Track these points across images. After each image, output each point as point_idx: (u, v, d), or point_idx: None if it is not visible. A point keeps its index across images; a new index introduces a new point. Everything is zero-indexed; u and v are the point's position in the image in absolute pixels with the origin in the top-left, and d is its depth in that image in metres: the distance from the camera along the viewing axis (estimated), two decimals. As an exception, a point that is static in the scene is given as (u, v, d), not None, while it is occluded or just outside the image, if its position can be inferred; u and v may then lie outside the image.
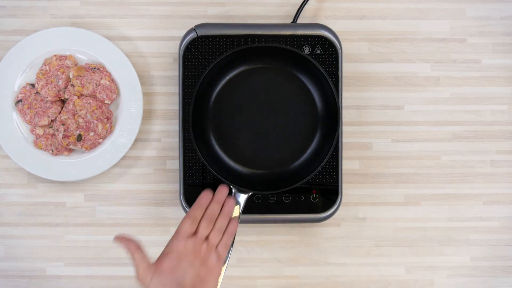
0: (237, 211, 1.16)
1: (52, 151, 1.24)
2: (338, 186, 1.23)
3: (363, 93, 1.27)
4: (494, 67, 1.28)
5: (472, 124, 1.28)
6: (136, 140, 1.26)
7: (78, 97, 1.24)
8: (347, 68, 1.27)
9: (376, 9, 1.28)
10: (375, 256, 1.28)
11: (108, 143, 1.25)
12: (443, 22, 1.28)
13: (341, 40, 1.23)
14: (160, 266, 1.06)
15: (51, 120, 1.24)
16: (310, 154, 1.22)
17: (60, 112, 1.24)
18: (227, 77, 1.22)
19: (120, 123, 1.25)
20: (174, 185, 1.26)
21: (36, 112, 1.24)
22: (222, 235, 1.11)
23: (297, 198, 1.23)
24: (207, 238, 1.10)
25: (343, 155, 1.24)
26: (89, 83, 1.24)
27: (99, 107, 1.24)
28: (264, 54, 1.21)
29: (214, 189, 1.21)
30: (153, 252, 1.27)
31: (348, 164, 1.27)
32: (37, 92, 1.24)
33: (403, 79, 1.28)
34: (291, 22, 1.26)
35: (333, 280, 1.28)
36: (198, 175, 1.23)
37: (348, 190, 1.26)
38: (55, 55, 1.24)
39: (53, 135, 1.24)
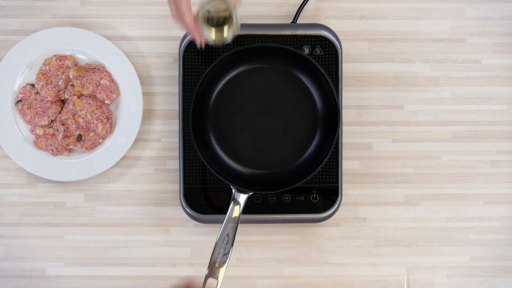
0: (237, 211, 1.16)
1: (52, 151, 1.24)
2: (338, 186, 1.23)
3: (363, 93, 1.27)
4: (494, 67, 1.28)
5: (472, 124, 1.28)
6: (136, 140, 1.26)
7: (78, 97, 1.24)
8: (347, 68, 1.27)
9: (376, 9, 1.28)
10: (375, 256, 1.28)
11: (108, 143, 1.25)
12: (443, 22, 1.28)
13: (341, 40, 1.23)
14: None
15: (51, 120, 1.24)
16: (310, 154, 1.22)
17: (60, 112, 1.24)
18: (227, 77, 1.22)
19: (120, 123, 1.25)
20: (174, 185, 1.26)
21: (36, 112, 1.24)
22: None
23: (297, 198, 1.23)
24: None
25: (343, 155, 1.24)
26: (89, 83, 1.24)
27: (99, 107, 1.24)
28: (264, 54, 1.21)
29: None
30: (153, 251, 1.27)
31: (348, 164, 1.27)
32: (37, 92, 1.24)
33: (403, 79, 1.28)
34: (291, 22, 1.26)
35: (333, 280, 1.28)
36: (198, 175, 1.23)
37: (348, 190, 1.26)
38: (55, 55, 1.24)
39: (53, 135, 1.24)
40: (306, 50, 1.23)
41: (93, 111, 1.24)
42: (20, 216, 1.27)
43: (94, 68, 1.24)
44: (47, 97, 1.23)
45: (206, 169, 1.22)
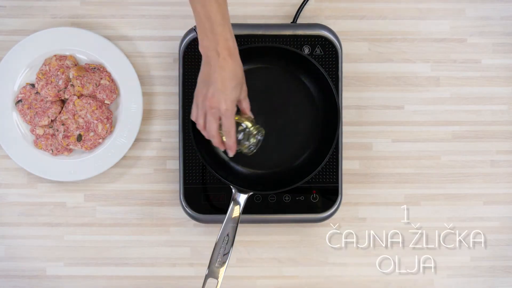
0: (237, 211, 1.16)
1: (52, 151, 1.24)
2: (338, 186, 1.23)
3: (363, 93, 1.27)
4: (494, 67, 1.28)
5: (472, 124, 1.28)
6: (136, 140, 1.26)
7: (78, 97, 1.24)
8: (347, 68, 1.27)
9: (376, 9, 1.28)
10: (375, 256, 1.28)
11: (108, 143, 1.25)
12: (443, 22, 1.28)
13: (341, 40, 1.23)
14: None
15: (51, 120, 1.24)
16: (310, 154, 1.22)
17: (60, 112, 1.24)
18: (227, 77, 1.22)
19: (120, 123, 1.25)
20: (174, 185, 1.26)
21: (36, 112, 1.24)
22: None
23: (297, 198, 1.23)
24: None
25: (343, 155, 1.24)
26: (89, 83, 1.24)
27: (99, 107, 1.24)
28: (264, 54, 1.21)
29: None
30: (153, 251, 1.27)
31: (348, 164, 1.27)
32: (37, 92, 1.24)
33: (403, 79, 1.28)
34: (291, 22, 1.26)
35: (333, 280, 1.28)
36: (198, 175, 1.23)
37: (348, 190, 1.26)
38: (55, 55, 1.24)
39: (53, 135, 1.24)
40: (306, 50, 1.23)
41: (93, 111, 1.24)
42: (20, 216, 1.27)
43: (94, 68, 1.24)
44: (47, 97, 1.23)
45: (206, 169, 1.22)
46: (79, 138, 1.24)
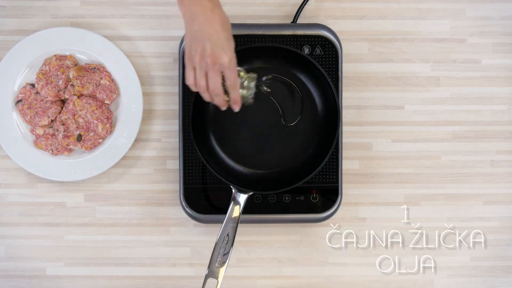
0: (237, 211, 1.16)
1: (52, 151, 1.24)
2: (338, 186, 1.23)
3: (363, 93, 1.27)
4: (494, 67, 1.28)
5: (472, 124, 1.28)
6: (136, 140, 1.26)
7: (78, 97, 1.24)
8: (347, 68, 1.27)
9: (376, 9, 1.28)
10: (375, 256, 1.28)
11: (108, 143, 1.25)
12: (443, 22, 1.28)
13: (341, 40, 1.23)
14: None
15: (51, 120, 1.24)
16: (310, 154, 1.22)
17: (60, 112, 1.24)
18: (227, 77, 1.22)
19: (120, 123, 1.25)
20: (174, 185, 1.26)
21: (36, 112, 1.24)
22: None
23: (297, 198, 1.23)
24: None
25: (343, 155, 1.24)
26: (89, 83, 1.24)
27: (99, 107, 1.24)
28: (264, 54, 1.21)
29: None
30: (153, 251, 1.27)
31: (348, 164, 1.27)
32: (37, 92, 1.24)
33: (403, 79, 1.28)
34: (291, 22, 1.26)
35: (333, 280, 1.28)
36: (198, 175, 1.23)
37: (348, 190, 1.26)
38: (55, 55, 1.24)
39: (53, 135, 1.24)
40: (306, 50, 1.23)
41: (93, 111, 1.24)
42: (20, 216, 1.27)
43: (94, 68, 1.24)
44: (47, 97, 1.23)
45: (206, 169, 1.22)
46: (79, 138, 1.24)
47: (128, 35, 1.27)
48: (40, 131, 1.24)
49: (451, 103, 1.28)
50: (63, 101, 1.25)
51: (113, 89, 1.25)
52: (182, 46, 1.22)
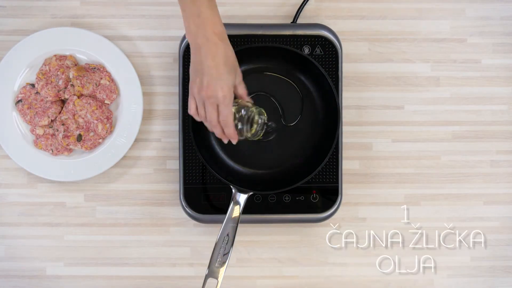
0: (237, 211, 1.16)
1: (52, 151, 1.24)
2: (338, 186, 1.23)
3: (363, 93, 1.27)
4: (494, 67, 1.28)
5: (472, 124, 1.28)
6: (136, 140, 1.26)
7: (78, 97, 1.24)
8: (347, 68, 1.27)
9: (376, 9, 1.28)
10: (375, 256, 1.28)
11: (108, 143, 1.25)
12: (443, 22, 1.28)
13: (341, 40, 1.23)
14: None
15: (51, 120, 1.24)
16: (310, 154, 1.22)
17: (60, 112, 1.24)
18: (227, 77, 1.22)
19: (120, 123, 1.25)
20: (174, 185, 1.26)
21: (36, 112, 1.24)
22: None
23: (297, 198, 1.23)
24: None
25: (343, 155, 1.24)
26: (89, 83, 1.24)
27: (99, 107, 1.24)
28: (264, 54, 1.21)
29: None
30: (153, 251, 1.27)
31: (348, 164, 1.27)
32: (37, 92, 1.24)
33: (403, 79, 1.28)
34: (291, 22, 1.26)
35: (333, 280, 1.28)
36: (198, 175, 1.23)
37: (348, 190, 1.26)
38: (55, 55, 1.24)
39: (53, 135, 1.24)
40: (306, 50, 1.23)
41: (93, 111, 1.24)
42: (20, 216, 1.27)
43: (94, 68, 1.24)
44: (47, 97, 1.23)
45: (206, 169, 1.22)
46: (79, 138, 1.24)
47: (128, 35, 1.27)
48: (40, 131, 1.24)
49: (451, 103, 1.28)
50: (63, 101, 1.25)
51: (113, 89, 1.25)
52: (182, 46, 1.22)
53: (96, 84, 1.24)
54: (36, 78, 1.24)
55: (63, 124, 1.23)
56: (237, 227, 1.15)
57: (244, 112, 1.09)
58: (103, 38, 1.24)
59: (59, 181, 1.25)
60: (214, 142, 1.23)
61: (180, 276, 1.27)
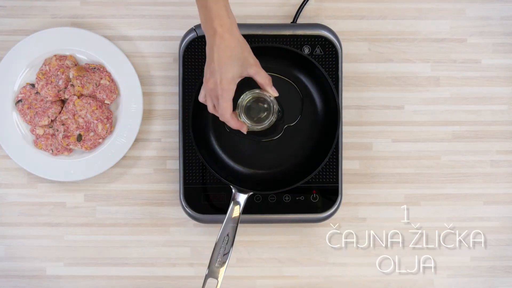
0: (237, 211, 1.16)
1: (52, 151, 1.24)
2: (338, 186, 1.23)
3: (363, 93, 1.27)
4: (494, 67, 1.28)
5: (472, 124, 1.28)
6: (136, 140, 1.26)
7: (78, 97, 1.24)
8: (347, 68, 1.27)
9: (376, 9, 1.28)
10: (375, 256, 1.28)
11: (108, 143, 1.25)
12: (443, 22, 1.28)
13: (341, 40, 1.23)
14: None
15: (51, 120, 1.24)
16: (310, 154, 1.22)
17: (60, 112, 1.24)
18: (227, 77, 1.22)
19: (120, 123, 1.25)
20: (174, 185, 1.26)
21: (36, 112, 1.24)
22: None
23: (297, 198, 1.23)
24: None
25: (343, 155, 1.24)
26: (89, 83, 1.24)
27: (99, 107, 1.24)
28: (264, 54, 1.20)
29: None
30: (153, 251, 1.27)
31: (348, 164, 1.27)
32: (37, 92, 1.24)
33: (403, 79, 1.28)
34: (291, 22, 1.26)
35: (333, 280, 1.28)
36: (198, 175, 1.23)
37: (348, 190, 1.26)
38: (55, 55, 1.24)
39: (53, 135, 1.24)
40: (306, 50, 1.23)
41: (93, 111, 1.24)
42: (20, 216, 1.27)
43: (94, 68, 1.24)
44: (47, 97, 1.23)
45: (206, 169, 1.22)
46: (79, 138, 1.24)
47: (128, 35, 1.27)
48: (40, 131, 1.24)
49: (451, 103, 1.28)
50: (63, 101, 1.25)
51: (113, 89, 1.25)
52: (182, 46, 1.22)
53: (96, 84, 1.24)
54: (36, 78, 1.24)
55: (63, 124, 1.23)
56: (237, 227, 1.15)
57: (250, 102, 1.12)
58: (103, 38, 1.24)
59: (59, 181, 1.25)
60: (214, 142, 1.23)
61: (180, 276, 1.27)
